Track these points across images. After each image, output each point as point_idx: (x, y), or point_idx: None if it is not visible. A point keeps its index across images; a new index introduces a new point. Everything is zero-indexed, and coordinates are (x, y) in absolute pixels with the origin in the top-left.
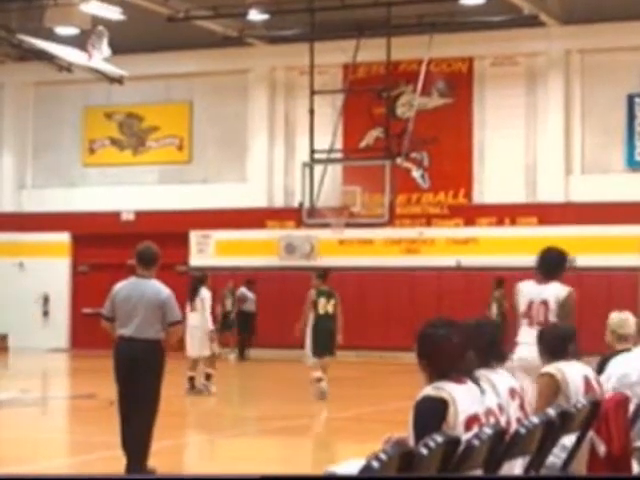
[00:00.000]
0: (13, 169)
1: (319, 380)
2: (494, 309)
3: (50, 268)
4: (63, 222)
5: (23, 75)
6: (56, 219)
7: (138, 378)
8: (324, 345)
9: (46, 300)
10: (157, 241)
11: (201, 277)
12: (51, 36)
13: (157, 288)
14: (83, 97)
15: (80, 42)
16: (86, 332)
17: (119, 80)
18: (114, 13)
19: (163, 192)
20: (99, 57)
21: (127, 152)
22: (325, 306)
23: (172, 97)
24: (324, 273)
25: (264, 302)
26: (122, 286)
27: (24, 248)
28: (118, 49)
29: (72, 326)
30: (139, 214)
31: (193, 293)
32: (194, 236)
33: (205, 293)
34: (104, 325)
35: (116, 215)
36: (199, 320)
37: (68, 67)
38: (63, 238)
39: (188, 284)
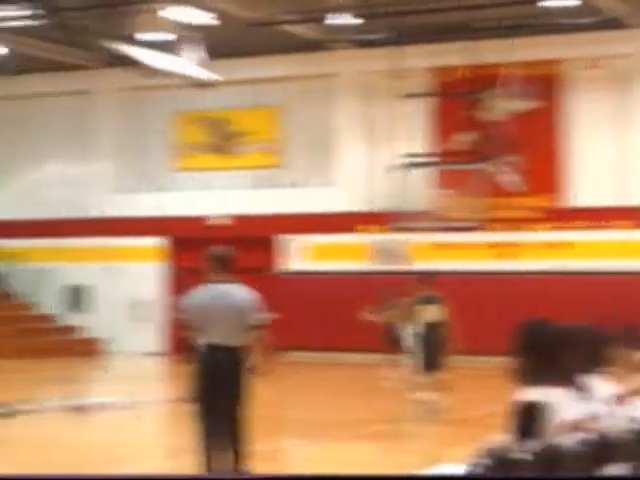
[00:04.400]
0: (104, 174)
1: (423, 402)
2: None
3: (143, 272)
4: (155, 227)
5: (112, 81)
6: (147, 224)
7: (225, 386)
8: (432, 360)
9: (140, 304)
10: (246, 245)
11: None
12: (139, 42)
13: (240, 292)
14: (174, 102)
15: (171, 48)
16: (179, 336)
17: (209, 85)
18: (204, 18)
19: (254, 196)
20: (188, 62)
21: (218, 157)
22: (429, 313)
23: (262, 102)
24: (426, 277)
25: (354, 306)
26: (201, 291)
27: (117, 253)
28: (208, 54)
29: (165, 330)
30: (229, 218)
31: None
32: (284, 240)
33: None
34: (184, 331)
35: (207, 220)
36: None
37: (157, 72)
38: (155, 242)
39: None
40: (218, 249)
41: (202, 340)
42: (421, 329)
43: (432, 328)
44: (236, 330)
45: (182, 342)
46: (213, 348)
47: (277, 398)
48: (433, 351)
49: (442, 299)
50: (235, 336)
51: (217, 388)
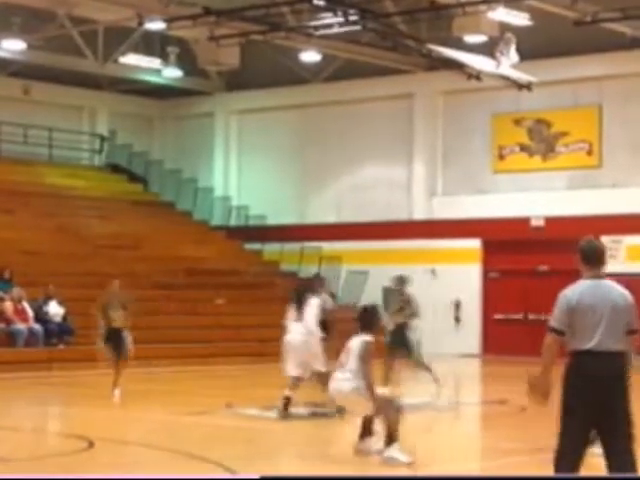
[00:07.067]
0: (424, 177)
1: None
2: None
3: (461, 274)
4: (473, 228)
5: (433, 84)
6: (466, 226)
7: (615, 399)
8: None
9: (457, 306)
10: (567, 247)
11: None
12: (459, 44)
13: (622, 290)
14: (491, 104)
15: (487, 49)
16: (497, 338)
17: (527, 86)
18: (521, 19)
19: (572, 197)
20: (507, 64)
21: (536, 158)
22: None
23: (580, 101)
24: None
25: None
26: (580, 291)
27: (436, 255)
28: (525, 55)
29: (483, 332)
30: (548, 220)
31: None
32: (605, 242)
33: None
34: (551, 340)
35: (525, 221)
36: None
37: (476, 75)
38: (474, 244)
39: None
40: (589, 241)
41: (580, 345)
42: None
43: None
44: (619, 333)
45: (555, 347)
46: (595, 354)
47: None
48: None
49: None
50: (619, 340)
51: (598, 400)
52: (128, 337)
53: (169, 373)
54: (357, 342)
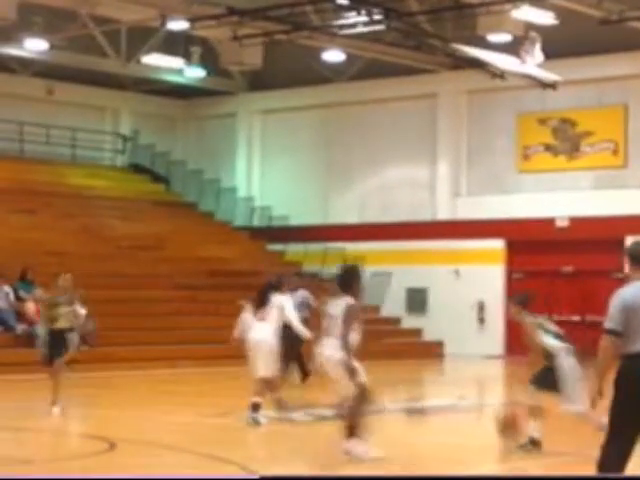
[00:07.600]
0: (448, 177)
1: None
2: None
3: (485, 275)
4: (497, 229)
5: (457, 83)
6: (491, 226)
7: None
8: None
9: (481, 307)
10: (592, 248)
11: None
12: (483, 43)
13: None
14: (516, 103)
15: (512, 48)
16: (521, 339)
17: (552, 85)
18: (547, 18)
19: (598, 198)
20: (532, 63)
21: (561, 158)
22: None
23: (606, 101)
24: None
25: None
26: (634, 292)
27: (459, 255)
28: (550, 54)
29: (507, 333)
30: (573, 220)
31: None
32: (631, 242)
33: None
34: (608, 342)
35: (550, 222)
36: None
37: (501, 74)
38: (498, 245)
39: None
40: (637, 243)
41: (633, 348)
42: None
43: None
44: None
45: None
46: None
47: None
48: None
49: None
50: None
51: None
52: (74, 339)
53: (191, 374)
54: (339, 306)
